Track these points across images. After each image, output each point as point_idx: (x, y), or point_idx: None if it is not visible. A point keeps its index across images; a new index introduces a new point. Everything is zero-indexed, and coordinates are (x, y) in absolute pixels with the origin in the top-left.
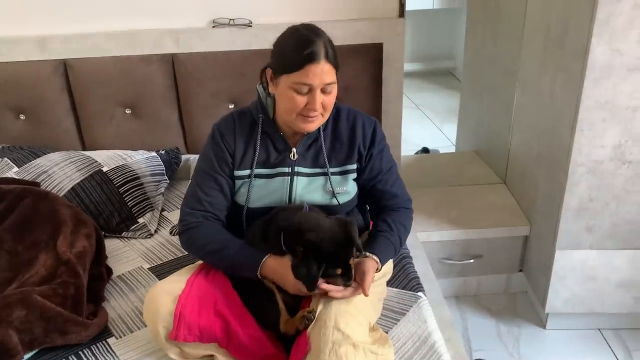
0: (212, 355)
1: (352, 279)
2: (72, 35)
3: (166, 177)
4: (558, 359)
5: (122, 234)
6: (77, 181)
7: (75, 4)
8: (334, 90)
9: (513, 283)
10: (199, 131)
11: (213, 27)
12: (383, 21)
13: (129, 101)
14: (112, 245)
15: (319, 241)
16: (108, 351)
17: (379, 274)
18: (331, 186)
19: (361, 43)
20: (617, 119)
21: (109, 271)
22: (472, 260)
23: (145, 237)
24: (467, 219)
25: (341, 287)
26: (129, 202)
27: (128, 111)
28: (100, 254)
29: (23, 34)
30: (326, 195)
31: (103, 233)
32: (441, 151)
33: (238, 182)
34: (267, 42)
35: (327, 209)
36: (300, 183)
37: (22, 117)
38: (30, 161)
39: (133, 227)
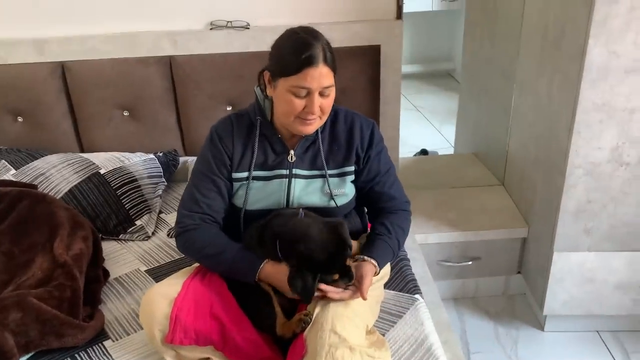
0: (208, 359)
1: (352, 278)
2: (69, 38)
3: (164, 180)
4: None
5: (120, 237)
6: (74, 183)
7: (72, 6)
8: (332, 93)
9: (511, 285)
10: (196, 133)
11: (211, 29)
12: (381, 23)
13: (126, 103)
14: (109, 247)
15: (310, 252)
16: (104, 354)
17: (376, 277)
18: (329, 188)
19: (359, 45)
20: (614, 120)
21: (106, 273)
22: (470, 262)
23: (143, 240)
24: (466, 221)
25: (339, 289)
26: (126, 204)
27: (126, 113)
28: (97, 257)
29: (21, 37)
30: (324, 197)
31: (100, 235)
32: (440, 153)
33: (236, 185)
34: (264, 44)
35: (325, 212)
36: (298, 185)
37: (19, 120)
38: (28, 163)
39: (130, 229)
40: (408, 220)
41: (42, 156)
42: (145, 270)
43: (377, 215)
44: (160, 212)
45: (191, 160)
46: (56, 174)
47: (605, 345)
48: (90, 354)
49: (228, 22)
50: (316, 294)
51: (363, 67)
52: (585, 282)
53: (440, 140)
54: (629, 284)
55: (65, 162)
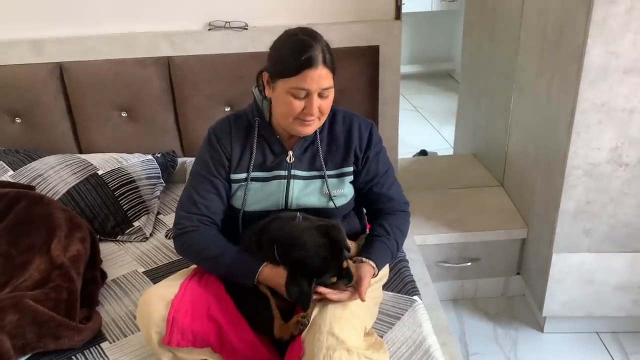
0: None
1: (352, 279)
2: (67, 38)
3: (162, 180)
4: None
5: (117, 238)
6: (72, 184)
7: (70, 7)
8: (331, 94)
9: (511, 286)
10: (195, 134)
11: (209, 29)
12: (379, 24)
13: (124, 104)
14: (107, 248)
15: (304, 259)
16: (101, 356)
17: (375, 278)
18: (328, 189)
19: (357, 45)
20: (614, 121)
21: (104, 275)
22: (469, 264)
23: (141, 241)
24: (465, 222)
25: (337, 291)
26: (124, 205)
27: (124, 114)
28: (94, 258)
29: (19, 37)
30: (323, 198)
31: (98, 237)
32: (439, 153)
33: (234, 186)
34: (263, 44)
35: (323, 212)
36: (296, 186)
37: (17, 121)
38: (26, 164)
39: (128, 230)
40: (407, 222)
41: (40, 157)
42: (143, 272)
43: (376, 217)
44: (158, 213)
45: (189, 161)
46: (54, 175)
47: (605, 346)
48: (87, 356)
49: (226, 22)
50: (314, 297)
51: (362, 68)
52: (584, 283)
53: (440, 140)
54: (628, 284)
55: (63, 163)
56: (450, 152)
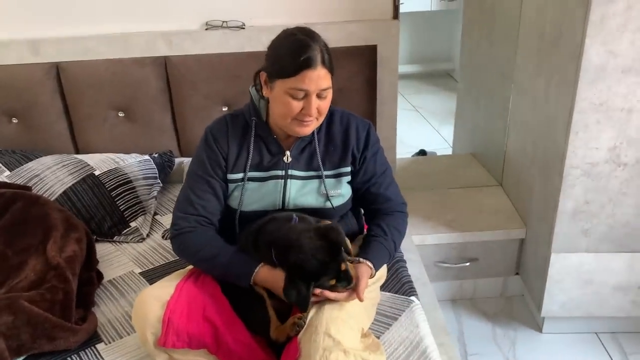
0: None
1: (351, 281)
2: (64, 38)
3: (159, 181)
4: None
5: (114, 238)
6: (68, 185)
7: (67, 7)
8: (329, 94)
9: (509, 286)
10: (192, 134)
11: (206, 29)
12: (377, 23)
13: (122, 104)
14: (103, 249)
15: (302, 262)
16: (97, 357)
17: (372, 279)
18: (325, 189)
19: (355, 45)
20: (612, 121)
21: (100, 276)
22: (468, 264)
23: (137, 242)
24: (463, 222)
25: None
26: (120, 205)
27: (121, 114)
28: (91, 259)
29: (15, 37)
30: (320, 198)
31: (95, 237)
32: (439, 153)
33: (231, 186)
34: (260, 44)
35: (321, 213)
36: (293, 186)
37: (14, 121)
38: (22, 165)
39: (125, 231)
40: (404, 222)
41: (37, 157)
42: (139, 273)
43: (373, 217)
44: (155, 213)
45: (187, 161)
46: (50, 175)
47: (604, 346)
48: (83, 357)
49: (223, 22)
50: (312, 299)
51: (360, 67)
52: (583, 283)
53: (439, 140)
54: (627, 285)
55: (59, 164)
56: (450, 152)
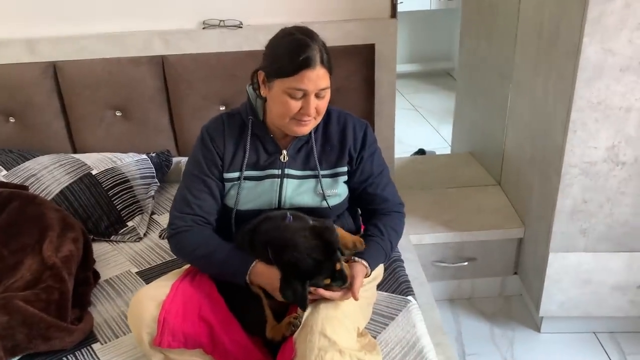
0: None
1: (346, 281)
2: (61, 38)
3: (156, 180)
4: None
5: (111, 238)
6: (65, 184)
7: (64, 6)
8: (328, 94)
9: (508, 286)
10: (189, 133)
11: (203, 28)
12: (375, 22)
13: (119, 103)
14: (100, 249)
15: (297, 261)
16: (92, 357)
17: (368, 278)
18: (321, 189)
19: (353, 44)
20: (610, 119)
21: (96, 275)
22: (466, 263)
23: (134, 241)
24: (461, 221)
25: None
26: (118, 205)
27: (118, 113)
28: (87, 258)
29: (12, 36)
30: (316, 197)
31: (91, 237)
32: (438, 153)
33: (228, 185)
34: (258, 43)
35: (317, 212)
36: (290, 185)
37: (11, 120)
38: (19, 164)
39: (122, 230)
40: (401, 222)
41: (34, 157)
42: (136, 272)
43: (370, 217)
44: (152, 213)
45: (184, 160)
46: (47, 175)
47: (602, 346)
48: (79, 357)
49: (221, 21)
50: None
51: (358, 66)
52: (581, 283)
53: (439, 139)
54: (626, 284)
55: (56, 163)
56: (449, 151)
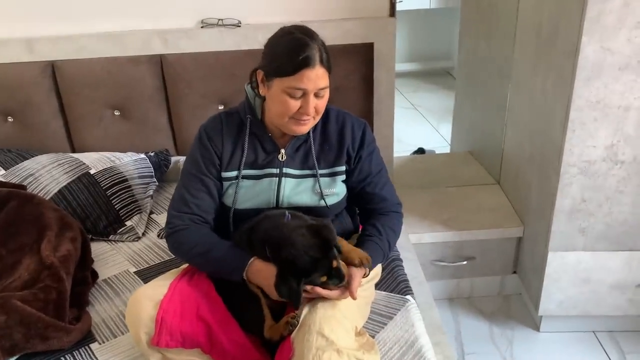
0: None
1: (343, 279)
2: (59, 37)
3: (155, 180)
4: None
5: (109, 237)
6: (64, 184)
7: (62, 5)
8: (327, 93)
9: (507, 285)
10: (188, 133)
11: (202, 27)
12: (373, 21)
13: (117, 103)
14: (98, 248)
15: (293, 258)
16: (90, 357)
17: (366, 277)
18: (320, 188)
19: (352, 43)
20: (609, 118)
21: (95, 275)
22: (465, 262)
23: (133, 240)
24: (460, 220)
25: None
26: (116, 204)
27: (117, 113)
28: (85, 258)
29: (10, 36)
30: (314, 197)
31: (90, 236)
32: (437, 152)
33: (225, 184)
34: (256, 42)
35: (315, 211)
36: (288, 184)
37: (10, 120)
38: (18, 164)
39: (120, 230)
40: (399, 222)
41: (32, 156)
42: (134, 272)
43: (369, 217)
44: (151, 212)
45: (183, 160)
46: (46, 174)
47: (602, 345)
48: (77, 357)
49: (219, 20)
50: (304, 295)
51: (356, 65)
52: (580, 282)
53: (438, 138)
54: (625, 283)
55: (55, 163)
56: (448, 150)
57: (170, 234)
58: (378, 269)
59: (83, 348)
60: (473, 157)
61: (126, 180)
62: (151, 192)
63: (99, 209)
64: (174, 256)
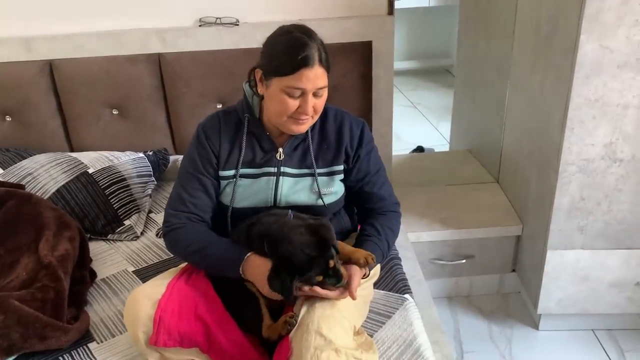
0: None
1: (341, 279)
2: (57, 36)
3: (153, 179)
4: None
5: (108, 237)
6: (62, 183)
7: (60, 4)
8: (325, 93)
9: (506, 283)
10: (186, 131)
11: (200, 26)
12: (372, 19)
13: (115, 102)
14: (97, 247)
15: (290, 255)
16: (89, 356)
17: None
18: (317, 187)
19: (350, 41)
20: (608, 116)
21: (93, 274)
22: (464, 261)
23: (131, 240)
24: (459, 219)
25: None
26: (114, 204)
27: (115, 112)
28: (84, 257)
29: (8, 35)
30: (312, 195)
31: (88, 236)
32: (436, 150)
33: (223, 182)
34: (254, 41)
35: (313, 210)
36: (286, 183)
37: (8, 119)
38: (16, 163)
39: (119, 229)
40: (398, 222)
41: (31, 156)
42: (132, 271)
43: (367, 216)
44: (149, 211)
45: (181, 158)
46: (44, 173)
47: (601, 343)
48: (75, 357)
49: (217, 18)
50: (300, 293)
51: (355, 64)
52: (579, 280)
53: (437, 137)
54: (623, 282)
55: (53, 162)
56: (447, 148)
57: (167, 232)
58: (377, 268)
59: (81, 347)
60: (472, 155)
61: (124, 179)
62: (150, 191)
63: (97, 208)
64: (172, 255)
